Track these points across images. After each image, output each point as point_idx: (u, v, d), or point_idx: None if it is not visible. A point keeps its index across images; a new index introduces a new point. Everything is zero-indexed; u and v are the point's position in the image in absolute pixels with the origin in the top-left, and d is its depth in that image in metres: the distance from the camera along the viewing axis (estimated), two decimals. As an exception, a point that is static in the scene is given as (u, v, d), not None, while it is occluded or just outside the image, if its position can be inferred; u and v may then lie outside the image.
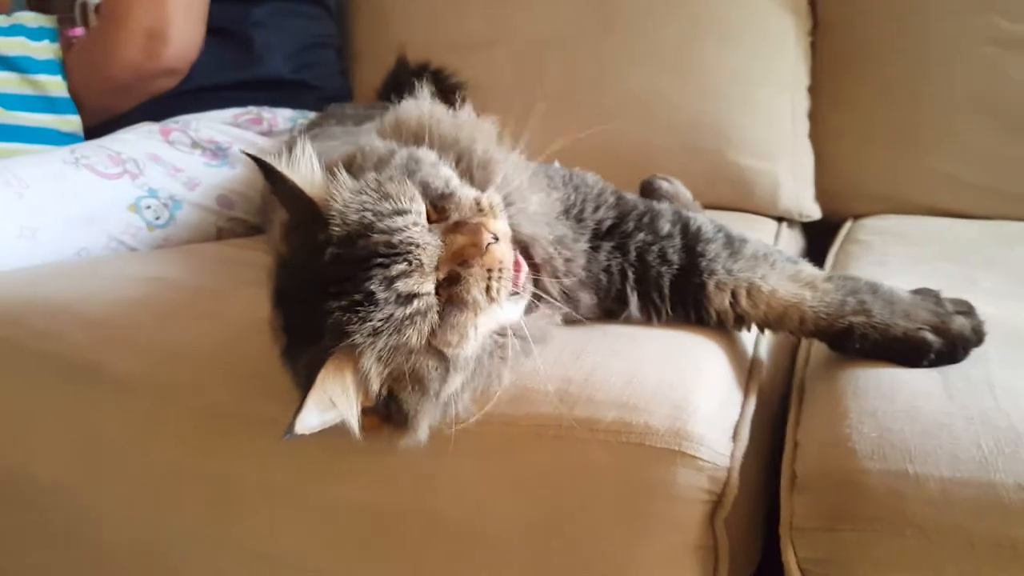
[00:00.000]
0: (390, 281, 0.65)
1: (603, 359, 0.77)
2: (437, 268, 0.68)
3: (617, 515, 0.73)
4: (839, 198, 1.57)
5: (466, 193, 0.72)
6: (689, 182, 1.48)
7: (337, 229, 0.67)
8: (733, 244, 0.85)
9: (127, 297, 1.01)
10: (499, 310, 0.70)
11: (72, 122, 1.54)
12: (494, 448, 0.75)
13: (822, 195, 1.57)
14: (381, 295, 0.65)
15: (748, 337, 0.90)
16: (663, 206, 0.89)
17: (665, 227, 0.86)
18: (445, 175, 0.73)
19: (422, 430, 0.70)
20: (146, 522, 0.94)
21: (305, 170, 0.72)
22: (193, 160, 1.48)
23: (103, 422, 0.94)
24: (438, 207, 0.70)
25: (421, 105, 0.84)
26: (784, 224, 1.50)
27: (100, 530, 0.98)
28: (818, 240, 1.50)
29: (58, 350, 0.96)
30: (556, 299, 0.80)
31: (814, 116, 1.57)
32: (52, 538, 1.01)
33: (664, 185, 1.18)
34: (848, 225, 1.50)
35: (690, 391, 0.74)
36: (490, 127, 0.84)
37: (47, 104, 1.52)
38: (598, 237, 0.85)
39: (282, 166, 0.70)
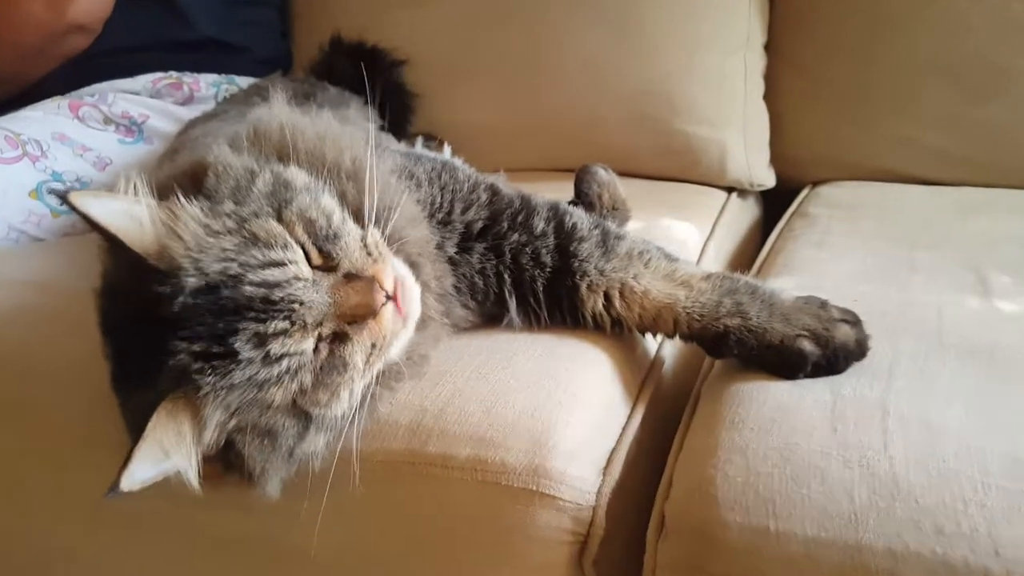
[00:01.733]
0: (262, 339, 0.57)
1: (464, 384, 0.70)
2: (321, 323, 0.60)
3: (478, 555, 0.67)
4: (797, 164, 1.46)
5: (351, 233, 0.64)
6: (634, 153, 1.39)
7: (192, 280, 0.58)
8: (607, 242, 0.78)
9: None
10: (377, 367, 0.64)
11: (-25, 100, 1.45)
12: (349, 481, 0.68)
13: (779, 160, 1.46)
14: (247, 353, 0.57)
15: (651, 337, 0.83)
16: (540, 200, 0.81)
17: (539, 225, 0.78)
18: (326, 208, 0.64)
19: (271, 486, 0.64)
20: (26, 540, 0.89)
21: (127, 207, 0.60)
22: (105, 137, 1.38)
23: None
24: (323, 251, 0.62)
25: (278, 113, 0.73)
26: (734, 194, 1.41)
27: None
28: (779, 207, 1.41)
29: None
30: (436, 318, 0.73)
31: (770, 76, 1.45)
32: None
33: (602, 174, 1.08)
34: (803, 194, 1.40)
35: (554, 420, 0.66)
36: (353, 133, 0.75)
37: (-55, 80, 1.42)
38: (469, 239, 0.77)
39: (96, 203, 0.59)
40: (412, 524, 0.69)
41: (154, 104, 1.45)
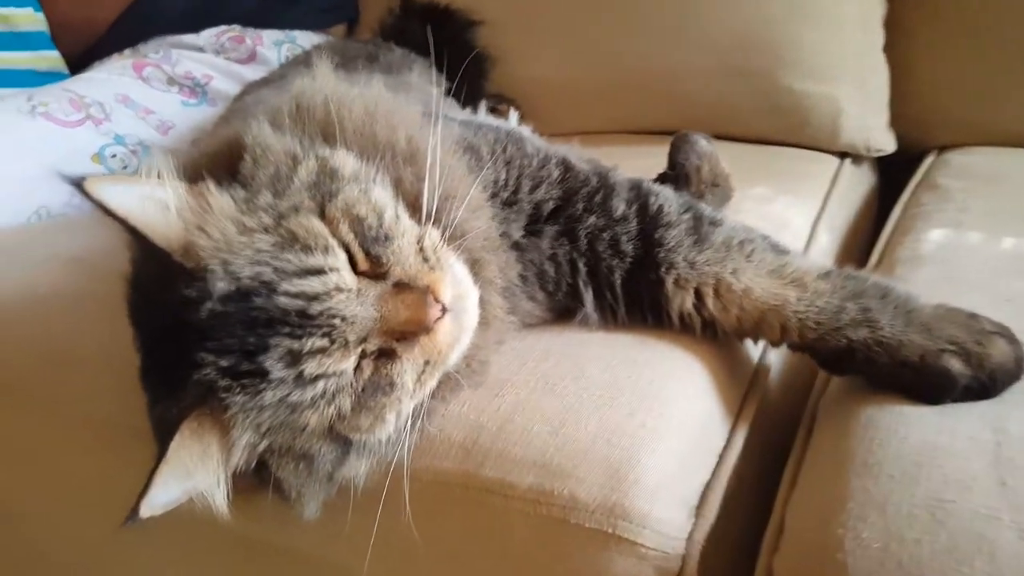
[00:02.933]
0: (295, 357, 0.50)
1: (528, 396, 0.59)
2: (365, 340, 0.52)
3: (541, 597, 0.57)
4: (921, 125, 1.28)
5: (405, 233, 0.55)
6: (729, 113, 1.25)
7: (221, 284, 0.50)
8: (700, 229, 0.66)
9: (35, 286, 0.88)
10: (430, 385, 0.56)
11: (50, 59, 1.41)
12: (398, 502, 0.59)
13: (901, 121, 1.28)
14: (278, 373, 0.50)
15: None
16: (620, 178, 0.69)
17: (619, 207, 0.66)
18: (378, 203, 0.55)
19: (309, 509, 0.57)
20: (60, 531, 0.85)
21: (150, 191, 0.53)
22: (168, 99, 1.34)
23: (4, 424, 0.84)
24: (371, 254, 0.53)
25: (322, 85, 0.64)
26: (848, 161, 1.24)
27: (23, 529, 0.89)
28: (898, 175, 1.23)
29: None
30: (500, 316, 0.63)
31: (892, 23, 1.26)
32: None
33: (702, 144, 0.93)
34: (929, 161, 1.22)
35: (637, 448, 0.55)
36: (407, 107, 0.64)
37: (18, 40, 1.38)
38: (538, 221, 0.67)
39: (114, 189, 0.52)
40: (466, 553, 0.59)
41: (218, 63, 1.40)
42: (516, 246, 0.66)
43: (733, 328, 0.64)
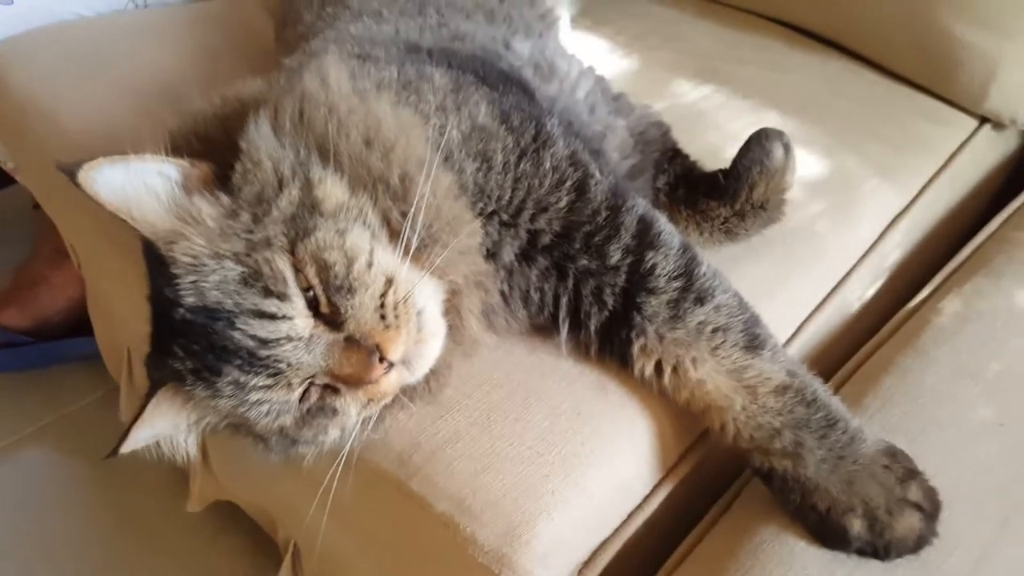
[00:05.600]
0: (241, 387, 0.56)
1: (467, 428, 0.64)
2: (312, 377, 0.57)
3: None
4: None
5: (371, 285, 0.56)
6: (882, 38, 1.09)
7: (191, 299, 0.55)
8: (681, 305, 0.63)
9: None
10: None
11: None
12: (344, 481, 0.65)
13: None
14: (227, 392, 0.57)
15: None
16: (631, 215, 0.65)
17: (615, 255, 0.64)
18: (351, 249, 0.56)
19: (271, 458, 0.65)
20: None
21: (145, 170, 0.56)
22: None
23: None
24: (332, 302, 0.56)
25: (328, 93, 0.62)
26: (987, 127, 1.08)
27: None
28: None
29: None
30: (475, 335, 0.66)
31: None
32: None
33: (775, 158, 0.76)
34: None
35: (538, 514, 0.60)
36: (409, 122, 0.62)
37: None
38: (533, 247, 0.66)
39: (111, 173, 0.55)
40: (390, 538, 0.69)
41: None
42: (505, 267, 0.66)
43: (682, 407, 0.65)
